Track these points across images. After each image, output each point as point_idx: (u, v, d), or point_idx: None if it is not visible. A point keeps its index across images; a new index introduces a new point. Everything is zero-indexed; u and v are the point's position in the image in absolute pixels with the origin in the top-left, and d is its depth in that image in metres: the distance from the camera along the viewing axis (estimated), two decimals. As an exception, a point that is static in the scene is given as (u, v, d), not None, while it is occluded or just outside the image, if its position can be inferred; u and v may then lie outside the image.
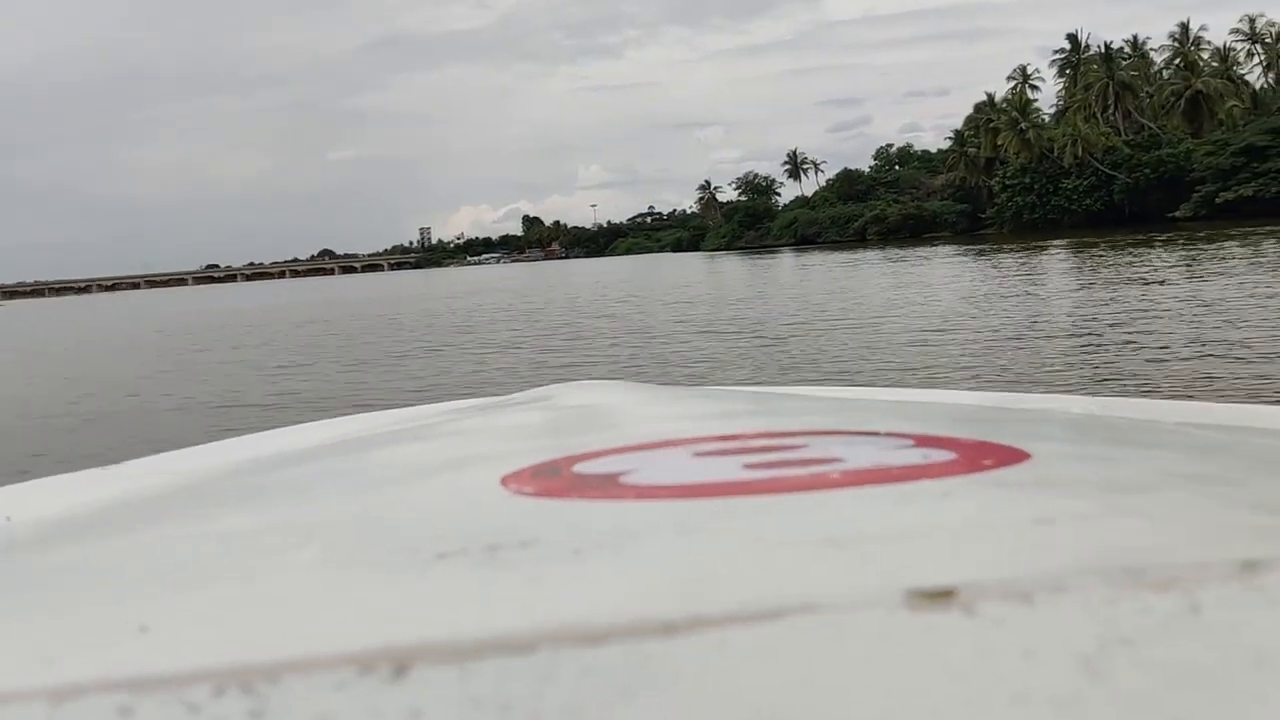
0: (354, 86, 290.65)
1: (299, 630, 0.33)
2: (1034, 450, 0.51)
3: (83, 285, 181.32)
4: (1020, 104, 64.37)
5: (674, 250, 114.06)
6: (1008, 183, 62.20)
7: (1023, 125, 61.60)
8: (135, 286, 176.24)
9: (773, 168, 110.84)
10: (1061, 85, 67.10)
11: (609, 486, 0.48)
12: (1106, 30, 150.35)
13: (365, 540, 0.45)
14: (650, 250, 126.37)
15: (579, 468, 0.53)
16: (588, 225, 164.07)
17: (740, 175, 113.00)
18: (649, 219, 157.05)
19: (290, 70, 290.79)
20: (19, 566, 0.52)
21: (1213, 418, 1.03)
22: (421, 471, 0.64)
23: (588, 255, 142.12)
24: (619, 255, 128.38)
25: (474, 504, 0.49)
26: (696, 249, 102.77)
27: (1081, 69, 63.10)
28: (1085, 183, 58.37)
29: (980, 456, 0.49)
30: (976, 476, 0.46)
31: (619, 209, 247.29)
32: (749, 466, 0.49)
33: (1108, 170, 57.22)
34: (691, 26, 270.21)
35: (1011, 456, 0.49)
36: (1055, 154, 58.75)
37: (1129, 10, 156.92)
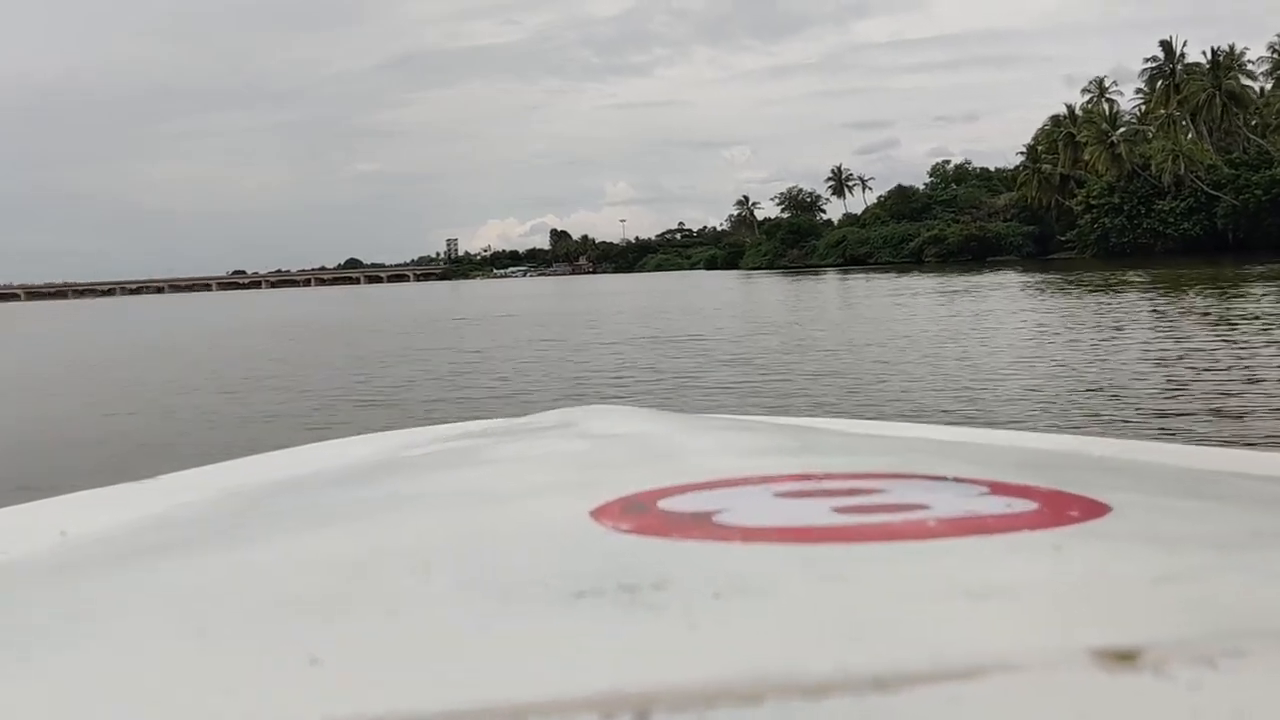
0: (380, 100, 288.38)
1: (495, 671, 0.32)
2: (1113, 501, 0.50)
3: (106, 288, 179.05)
4: (1110, 116, 58.27)
5: (708, 268, 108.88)
6: (1093, 202, 55.81)
7: (1113, 139, 55.47)
8: (159, 290, 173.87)
9: (801, 187, 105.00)
10: (1140, 99, 61.01)
11: (706, 526, 0.47)
12: (1132, 58, 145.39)
13: (487, 573, 0.44)
14: (681, 267, 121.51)
15: (664, 504, 0.53)
16: (615, 240, 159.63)
17: (783, 191, 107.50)
18: (678, 235, 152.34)
19: (317, 85, 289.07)
20: (117, 586, 0.50)
21: (1271, 469, 0.98)
22: (496, 499, 0.63)
23: (616, 271, 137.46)
24: (649, 271, 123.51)
25: (575, 539, 0.48)
26: (733, 267, 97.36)
27: (1178, 79, 56.80)
28: (1183, 204, 52.03)
29: (1063, 507, 0.49)
30: (1069, 530, 0.46)
31: (645, 225, 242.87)
32: (839, 510, 0.49)
33: (1210, 190, 50.98)
34: (721, 46, 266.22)
35: (1093, 509, 0.49)
36: (1153, 171, 52.50)
37: (1156, 37, 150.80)
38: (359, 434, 1.66)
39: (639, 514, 0.50)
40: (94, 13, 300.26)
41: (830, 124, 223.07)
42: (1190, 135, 53.92)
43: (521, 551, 0.47)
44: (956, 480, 0.55)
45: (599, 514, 0.51)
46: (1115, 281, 27.94)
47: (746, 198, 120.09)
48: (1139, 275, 30.92)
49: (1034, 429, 6.98)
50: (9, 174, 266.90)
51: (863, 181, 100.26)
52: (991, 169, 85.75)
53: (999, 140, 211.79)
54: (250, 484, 1.04)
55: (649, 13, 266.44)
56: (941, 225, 72.19)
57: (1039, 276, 35.78)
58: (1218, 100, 54.49)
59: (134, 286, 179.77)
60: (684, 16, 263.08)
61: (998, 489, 0.52)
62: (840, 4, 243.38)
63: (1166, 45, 57.76)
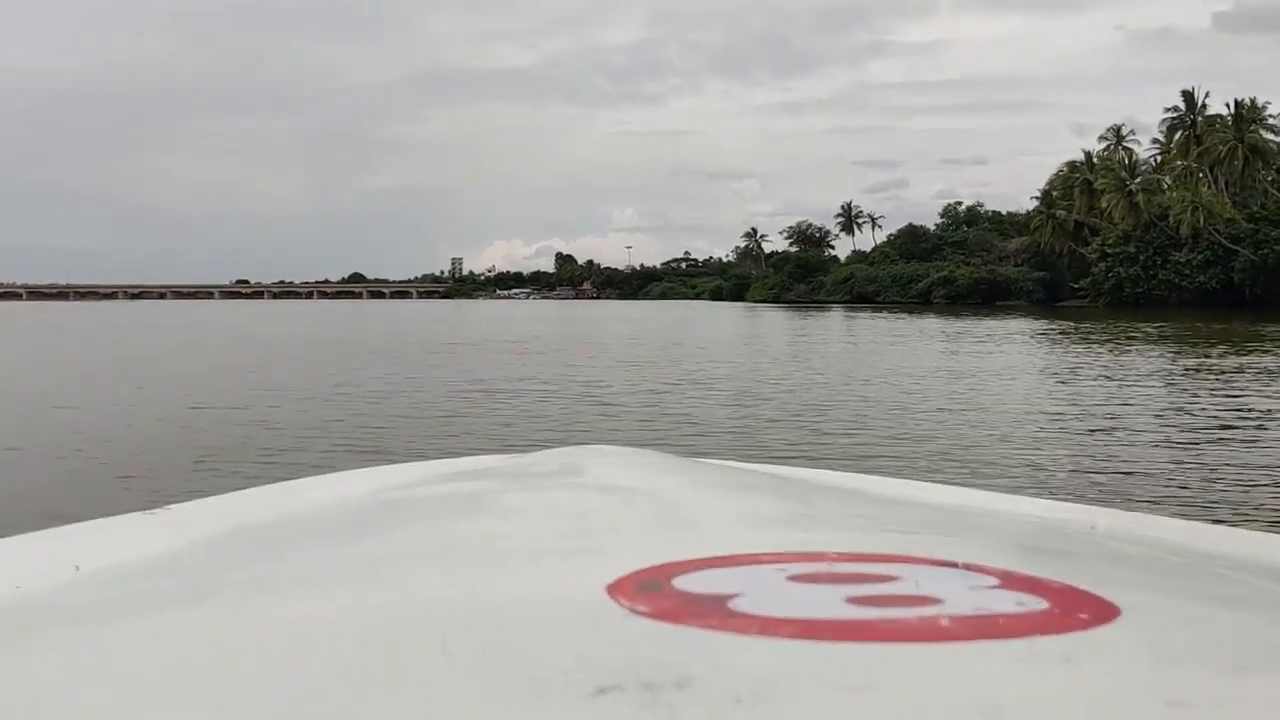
0: (394, 115, 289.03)
1: None
2: (1122, 603, 0.50)
3: (108, 291, 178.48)
4: (1130, 164, 57.70)
5: (713, 299, 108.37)
6: (1108, 251, 55.02)
7: (1131, 187, 54.81)
8: (161, 296, 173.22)
9: (810, 222, 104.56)
10: (1156, 149, 60.51)
11: (722, 614, 0.47)
12: (1142, 109, 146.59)
13: (507, 654, 0.43)
14: (686, 297, 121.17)
15: (679, 583, 0.53)
16: (620, 267, 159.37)
17: (792, 225, 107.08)
18: (684, 264, 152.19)
19: (332, 95, 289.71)
20: (135, 639, 0.50)
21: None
22: (509, 563, 0.63)
23: (620, 297, 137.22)
24: (653, 299, 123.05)
25: (592, 620, 0.48)
26: (739, 299, 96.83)
27: (1199, 130, 56.25)
28: (1200, 256, 51.26)
29: (1073, 608, 0.49)
30: (1080, 636, 0.45)
31: (650, 253, 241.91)
32: (852, 601, 0.49)
33: (1228, 244, 50.27)
34: (734, 80, 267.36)
35: (1103, 611, 0.49)
36: (1172, 221, 51.76)
37: (1166, 90, 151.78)
38: (361, 466, 1.63)
39: (654, 593, 0.51)
40: (106, 9, 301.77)
41: (840, 161, 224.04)
42: (1209, 187, 53.34)
43: (540, 632, 0.47)
44: (967, 568, 0.55)
45: (614, 590, 0.51)
46: (1163, 336, 27.12)
47: (755, 230, 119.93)
48: (1169, 328, 30.12)
49: (1043, 488, 6.74)
50: (15, 170, 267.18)
51: (873, 219, 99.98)
52: (1003, 212, 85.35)
53: (1006, 185, 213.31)
54: (258, 520, 1.05)
55: (664, 43, 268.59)
56: (951, 267, 71.54)
57: (1063, 324, 34.92)
58: (1240, 153, 53.88)
59: (136, 291, 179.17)
60: (698, 48, 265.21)
61: (1008, 581, 0.53)
62: (855, 44, 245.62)
63: (1188, 95, 57.29)
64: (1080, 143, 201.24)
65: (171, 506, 1.13)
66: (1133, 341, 24.04)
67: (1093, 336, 26.70)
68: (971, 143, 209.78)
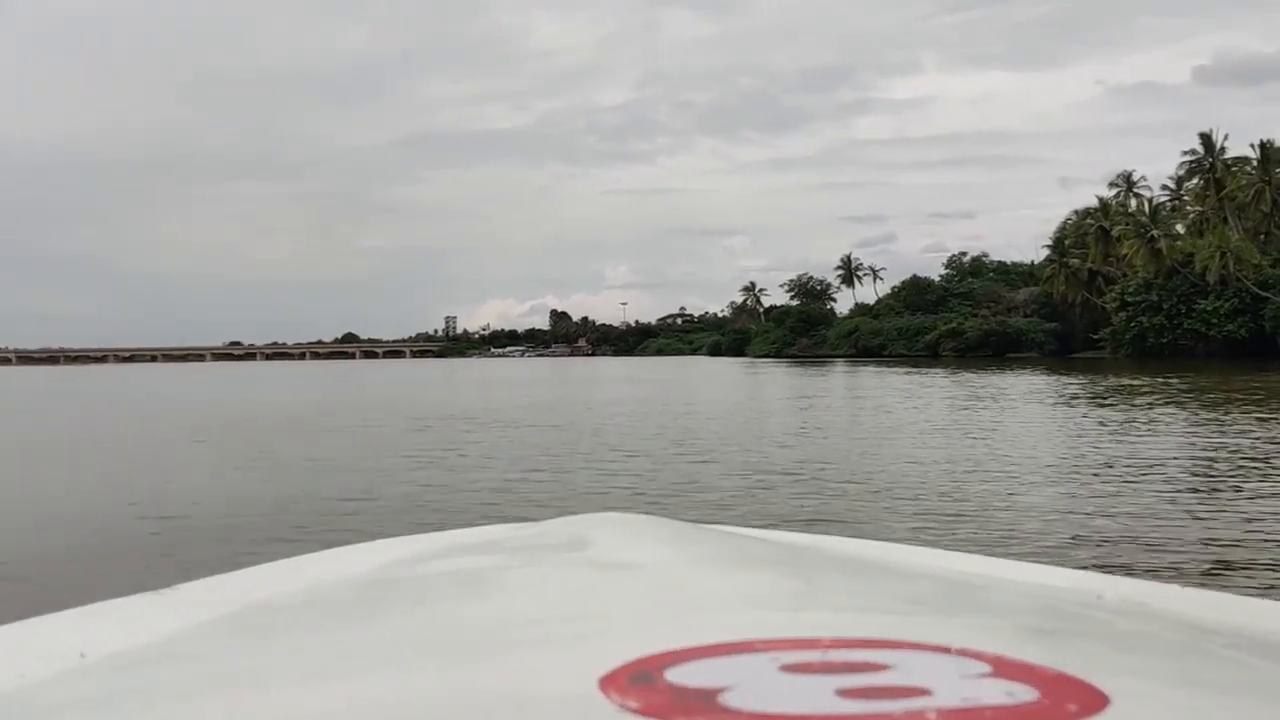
0: (388, 177, 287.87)
1: None
2: (1112, 690, 0.50)
3: (99, 355, 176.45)
4: (1151, 210, 55.76)
5: (711, 354, 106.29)
6: (1129, 300, 52.83)
7: (1154, 234, 52.74)
8: (153, 359, 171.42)
9: (811, 275, 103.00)
10: (1166, 195, 58.70)
11: (711, 710, 0.47)
12: (1128, 163, 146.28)
13: None
14: (683, 352, 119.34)
15: (672, 675, 0.52)
16: (615, 323, 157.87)
17: (793, 278, 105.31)
18: (679, 320, 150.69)
19: (326, 159, 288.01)
20: None
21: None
22: (506, 651, 0.64)
23: (616, 353, 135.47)
24: (650, 356, 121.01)
25: (582, 717, 0.48)
26: (738, 354, 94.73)
27: (1220, 172, 54.20)
28: (1227, 304, 49.04)
29: (1062, 698, 0.49)
30: None
31: (645, 309, 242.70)
32: (842, 694, 0.49)
33: (1258, 290, 48.11)
34: (723, 138, 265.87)
35: (1092, 701, 0.48)
36: (1197, 268, 49.66)
37: (1159, 145, 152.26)
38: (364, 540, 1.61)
39: (645, 688, 0.51)
40: (100, 77, 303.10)
41: (829, 216, 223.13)
42: (1235, 232, 51.29)
43: None
44: (960, 654, 0.55)
45: (607, 684, 0.51)
46: (1206, 390, 24.56)
47: (753, 284, 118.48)
48: (1206, 380, 27.59)
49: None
50: (5, 236, 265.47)
51: (874, 271, 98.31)
52: (1009, 262, 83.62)
53: (995, 238, 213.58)
54: (263, 600, 1.05)
55: (654, 103, 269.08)
56: (959, 318, 69.53)
57: (1108, 380, 32.36)
58: (1267, 195, 51.76)
59: (127, 355, 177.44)
60: (687, 108, 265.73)
61: (1000, 668, 0.53)
62: (841, 101, 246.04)
63: (1206, 138, 55.38)
64: (1067, 195, 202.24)
65: (180, 586, 1.13)
66: (1181, 399, 21.49)
67: (1156, 398, 24.13)
68: (959, 197, 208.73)
